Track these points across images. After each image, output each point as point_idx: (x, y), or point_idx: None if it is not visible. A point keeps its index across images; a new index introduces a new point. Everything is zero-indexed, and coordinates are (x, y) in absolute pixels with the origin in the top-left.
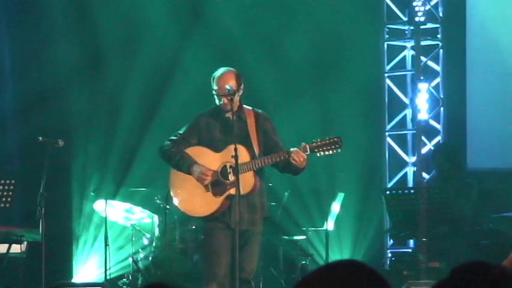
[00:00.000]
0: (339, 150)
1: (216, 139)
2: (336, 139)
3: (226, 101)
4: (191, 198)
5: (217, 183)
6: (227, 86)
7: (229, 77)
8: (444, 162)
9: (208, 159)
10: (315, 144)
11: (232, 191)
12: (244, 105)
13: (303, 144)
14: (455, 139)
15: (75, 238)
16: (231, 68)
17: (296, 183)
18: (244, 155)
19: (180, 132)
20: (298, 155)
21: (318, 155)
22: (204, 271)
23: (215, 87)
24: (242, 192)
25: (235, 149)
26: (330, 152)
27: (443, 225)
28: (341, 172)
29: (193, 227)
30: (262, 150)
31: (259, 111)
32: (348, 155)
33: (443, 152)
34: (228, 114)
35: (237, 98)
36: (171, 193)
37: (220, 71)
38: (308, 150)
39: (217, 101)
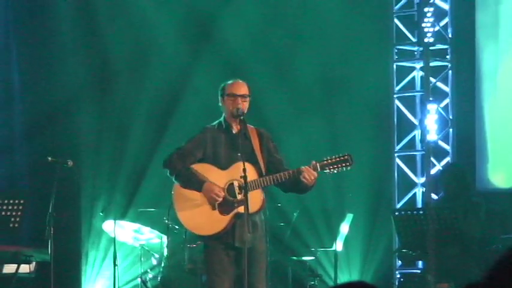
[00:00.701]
0: (349, 168)
1: (221, 155)
2: (346, 156)
3: (240, 101)
4: (196, 216)
5: (224, 202)
6: (238, 109)
7: (241, 85)
8: (451, 182)
9: (214, 177)
10: (325, 162)
11: (240, 209)
12: (247, 124)
13: (313, 162)
14: (464, 160)
15: (84, 258)
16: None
17: (305, 203)
18: (251, 173)
19: (185, 145)
20: (309, 173)
21: (328, 173)
22: None
23: (224, 92)
24: (251, 210)
25: (244, 169)
26: (340, 169)
27: (453, 246)
28: (350, 193)
29: (199, 243)
30: (266, 168)
31: (262, 130)
32: (356, 175)
33: (450, 172)
34: (234, 131)
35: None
36: (175, 210)
37: (231, 80)
38: (318, 168)
39: (224, 113)
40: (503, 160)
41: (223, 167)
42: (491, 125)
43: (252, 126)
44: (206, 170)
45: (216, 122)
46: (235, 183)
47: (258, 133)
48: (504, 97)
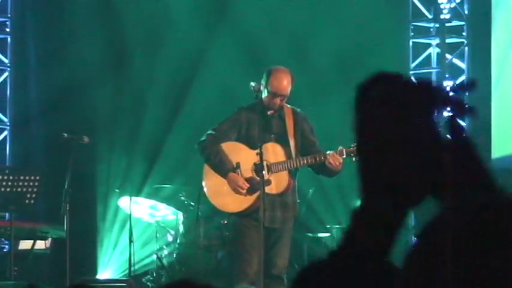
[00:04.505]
0: None
1: (254, 136)
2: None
3: (279, 101)
4: (223, 193)
5: (251, 180)
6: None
7: (288, 84)
8: None
9: (243, 156)
10: (352, 148)
11: (267, 189)
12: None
13: (340, 147)
14: (480, 136)
15: (99, 234)
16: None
17: (320, 180)
18: (280, 154)
19: (220, 126)
20: (334, 159)
21: (354, 159)
22: (236, 269)
23: (269, 82)
24: (277, 191)
25: (261, 153)
26: None
27: None
28: None
29: (225, 222)
30: (299, 149)
31: (298, 110)
32: None
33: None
34: (270, 112)
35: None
36: (203, 185)
37: (280, 68)
38: (344, 154)
39: (264, 94)
40: None
41: (254, 146)
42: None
43: (289, 106)
44: (236, 149)
45: (251, 103)
46: (264, 163)
47: (293, 113)
48: None
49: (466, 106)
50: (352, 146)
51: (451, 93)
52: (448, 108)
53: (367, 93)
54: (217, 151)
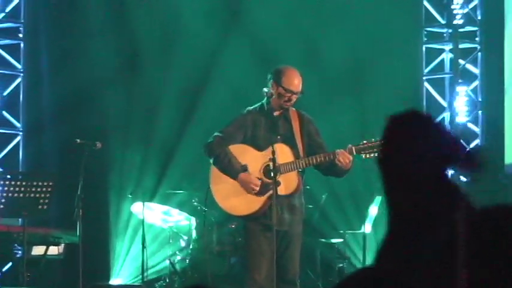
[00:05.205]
0: None
1: (260, 137)
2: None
3: (293, 98)
4: (232, 196)
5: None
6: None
7: (299, 82)
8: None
9: (251, 158)
10: (361, 145)
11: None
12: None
13: (349, 146)
14: (493, 142)
15: (112, 240)
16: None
17: (333, 186)
18: (288, 155)
19: (227, 128)
20: (344, 157)
21: (364, 157)
22: (245, 275)
23: (280, 80)
24: (286, 192)
25: (273, 151)
26: (376, 154)
27: None
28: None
29: (233, 226)
30: (305, 151)
31: (303, 113)
32: None
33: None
34: (276, 113)
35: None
36: (211, 189)
37: (289, 67)
38: (354, 151)
39: (272, 91)
40: None
41: (261, 148)
42: None
43: (294, 109)
44: (243, 151)
45: (258, 104)
46: (271, 165)
47: (299, 116)
48: None
49: (475, 172)
50: (361, 143)
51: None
52: (458, 167)
53: (399, 126)
54: (225, 153)
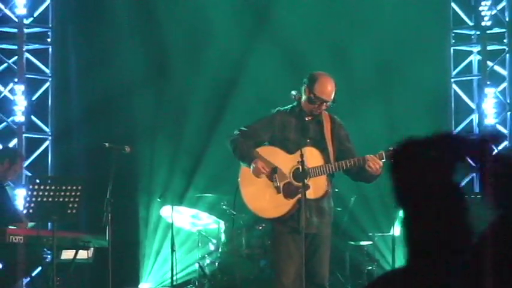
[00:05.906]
0: None
1: (289, 139)
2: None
3: (323, 107)
4: (261, 198)
5: (289, 186)
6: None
7: (332, 90)
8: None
9: (280, 160)
10: (391, 151)
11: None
12: None
13: (380, 151)
14: None
15: (141, 244)
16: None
17: (362, 188)
18: (318, 159)
19: (253, 125)
20: (374, 162)
21: None
22: (274, 279)
23: (313, 87)
24: (314, 196)
25: (301, 155)
26: None
27: None
28: None
29: (260, 228)
30: (335, 155)
31: (335, 117)
32: None
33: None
34: (308, 118)
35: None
36: (241, 191)
37: (324, 73)
38: (384, 157)
39: (302, 98)
40: None
41: (291, 151)
42: None
43: (326, 113)
44: (272, 153)
45: (289, 106)
46: (301, 168)
47: (331, 120)
48: None
49: (491, 154)
50: (391, 148)
51: (478, 140)
52: (472, 156)
53: (399, 159)
54: (245, 143)
